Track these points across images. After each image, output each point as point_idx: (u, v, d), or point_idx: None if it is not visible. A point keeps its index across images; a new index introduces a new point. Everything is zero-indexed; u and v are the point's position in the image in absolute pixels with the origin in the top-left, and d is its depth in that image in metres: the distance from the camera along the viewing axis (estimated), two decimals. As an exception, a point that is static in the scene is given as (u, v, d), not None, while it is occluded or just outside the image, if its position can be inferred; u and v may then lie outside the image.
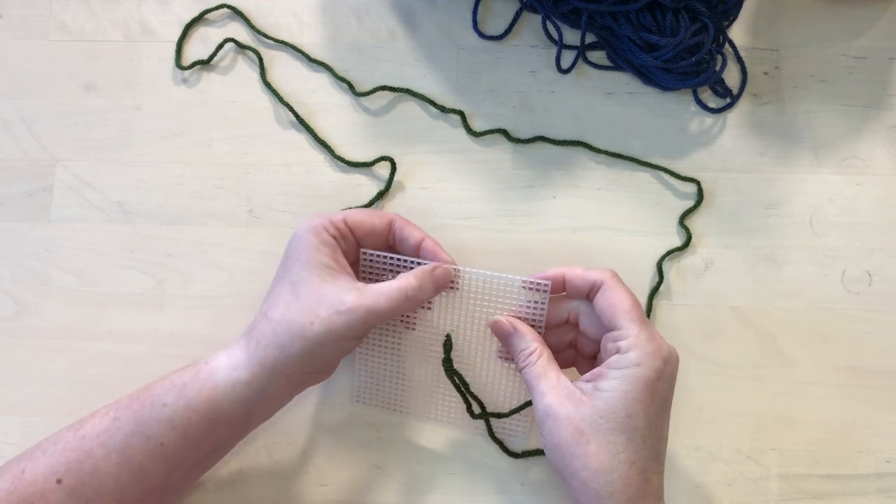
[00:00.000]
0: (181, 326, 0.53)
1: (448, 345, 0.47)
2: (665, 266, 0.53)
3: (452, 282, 0.47)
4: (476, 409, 0.49)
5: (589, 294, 0.45)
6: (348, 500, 0.50)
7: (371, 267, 0.48)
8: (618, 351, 0.42)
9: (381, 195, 0.54)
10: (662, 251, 0.53)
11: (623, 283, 0.44)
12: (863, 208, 0.54)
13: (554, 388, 0.42)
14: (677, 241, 0.54)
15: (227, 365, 0.43)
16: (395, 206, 0.54)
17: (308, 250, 0.44)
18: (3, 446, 0.51)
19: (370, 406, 0.51)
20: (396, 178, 0.54)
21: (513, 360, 0.46)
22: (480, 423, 0.50)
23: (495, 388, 0.49)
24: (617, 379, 0.41)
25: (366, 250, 0.47)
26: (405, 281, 0.44)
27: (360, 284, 0.44)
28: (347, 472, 0.50)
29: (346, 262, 0.46)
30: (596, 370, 0.43)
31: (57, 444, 0.42)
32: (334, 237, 0.45)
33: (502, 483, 0.50)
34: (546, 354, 0.44)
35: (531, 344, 0.45)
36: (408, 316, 0.49)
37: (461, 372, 0.48)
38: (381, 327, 0.49)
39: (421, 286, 0.44)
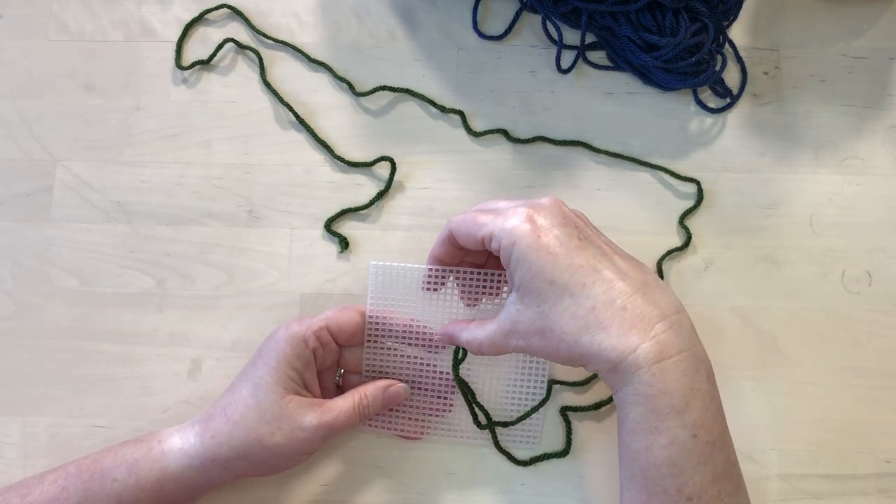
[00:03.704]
0: (181, 326, 0.53)
1: (457, 354, 0.47)
2: (665, 266, 0.53)
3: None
4: (482, 419, 0.49)
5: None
6: (348, 500, 0.50)
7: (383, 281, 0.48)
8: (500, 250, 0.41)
9: (381, 195, 0.54)
10: (662, 251, 0.53)
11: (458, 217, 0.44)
12: (863, 208, 0.54)
13: (503, 332, 0.42)
14: (677, 241, 0.54)
15: (179, 450, 0.44)
16: (395, 206, 0.54)
17: (278, 359, 0.45)
18: (4, 446, 0.51)
19: (376, 429, 0.50)
20: (396, 178, 0.54)
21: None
22: (487, 435, 0.49)
23: (502, 397, 0.49)
24: (516, 273, 0.40)
25: (375, 263, 0.47)
26: (360, 399, 0.46)
27: (321, 401, 0.46)
28: (347, 472, 0.50)
29: (314, 381, 0.47)
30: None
31: None
32: (314, 350, 0.46)
33: (502, 483, 0.50)
34: (474, 326, 0.44)
35: (461, 336, 0.44)
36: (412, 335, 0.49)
37: (467, 381, 0.48)
38: (384, 348, 0.49)
39: (371, 405, 0.46)
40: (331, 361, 0.48)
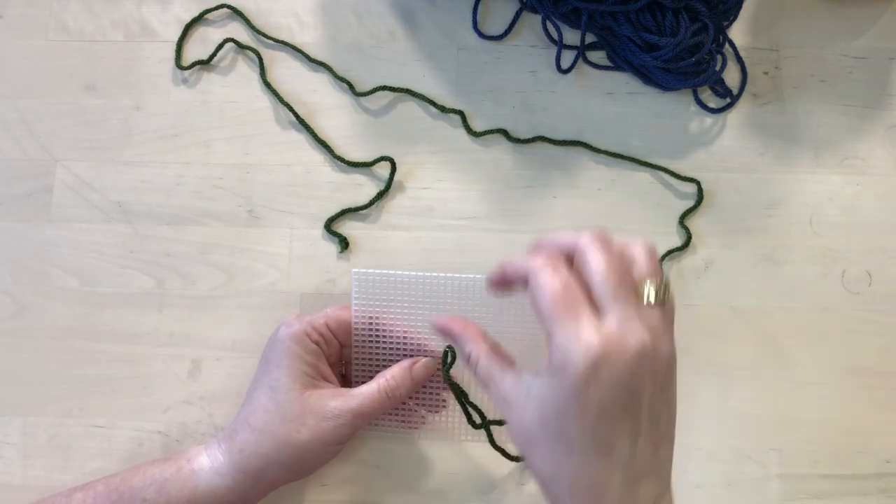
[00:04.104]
0: (181, 326, 0.53)
1: (447, 356, 0.47)
2: (665, 266, 0.53)
3: (438, 368, 0.47)
4: (477, 419, 0.49)
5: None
6: (348, 500, 0.50)
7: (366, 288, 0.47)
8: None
9: (381, 195, 0.54)
10: (662, 251, 0.53)
11: (553, 267, 0.36)
12: (863, 208, 0.54)
13: (499, 389, 0.38)
14: (677, 241, 0.54)
15: (209, 469, 0.44)
16: (395, 206, 0.54)
17: (290, 358, 0.45)
18: (4, 446, 0.51)
19: (371, 431, 0.50)
20: (396, 178, 0.55)
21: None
22: (482, 433, 0.49)
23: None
24: (545, 386, 0.36)
25: (357, 270, 0.47)
26: (384, 382, 0.45)
27: (342, 390, 0.45)
28: (347, 472, 0.50)
29: (328, 370, 0.47)
30: (543, 364, 0.37)
31: None
32: (317, 343, 0.46)
33: (501, 483, 0.50)
34: (485, 352, 0.40)
35: (466, 345, 0.42)
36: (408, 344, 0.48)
37: (459, 381, 0.48)
38: (371, 355, 0.48)
39: (399, 385, 0.45)
40: (334, 358, 0.48)
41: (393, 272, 0.46)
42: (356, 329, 0.48)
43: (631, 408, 0.35)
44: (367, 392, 0.45)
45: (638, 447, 0.36)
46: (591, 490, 0.35)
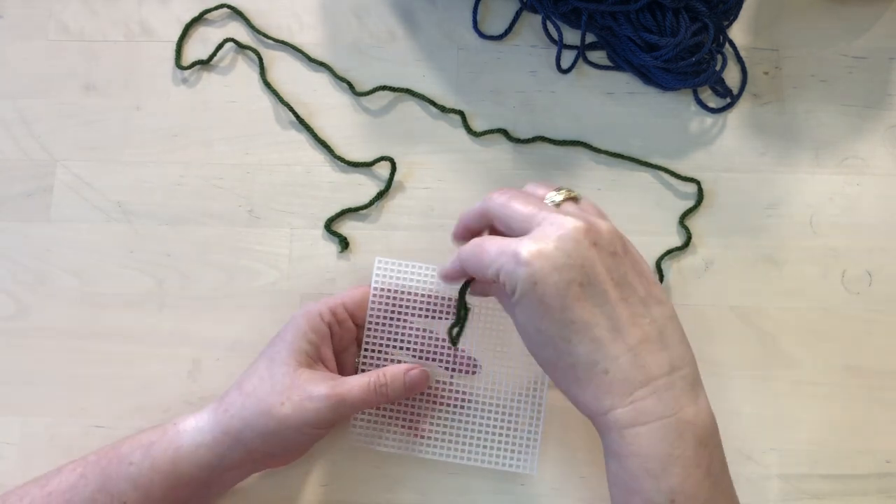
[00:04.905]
0: (181, 326, 0.53)
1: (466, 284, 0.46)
2: (665, 266, 0.53)
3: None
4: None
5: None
6: (348, 500, 0.50)
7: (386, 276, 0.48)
8: None
9: (381, 195, 0.54)
10: (662, 251, 0.53)
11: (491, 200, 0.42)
12: (863, 208, 0.54)
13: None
14: (677, 241, 0.54)
15: (193, 428, 0.44)
16: (395, 206, 0.54)
17: (294, 333, 0.45)
18: (4, 446, 0.51)
19: (369, 444, 0.50)
20: (396, 178, 0.55)
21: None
22: (481, 458, 0.48)
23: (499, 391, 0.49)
24: (513, 311, 0.39)
25: (381, 258, 0.48)
26: (377, 377, 0.45)
27: (334, 375, 0.46)
28: (347, 472, 0.50)
29: (330, 355, 0.47)
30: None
31: (23, 500, 0.43)
32: (329, 324, 0.46)
33: (502, 483, 0.50)
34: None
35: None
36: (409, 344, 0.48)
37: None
38: (385, 339, 0.48)
39: (391, 385, 0.45)
40: (348, 341, 0.48)
41: (415, 263, 0.47)
42: (371, 316, 0.48)
43: (588, 282, 0.37)
44: (356, 382, 0.45)
45: (617, 314, 0.38)
46: (591, 371, 0.37)
